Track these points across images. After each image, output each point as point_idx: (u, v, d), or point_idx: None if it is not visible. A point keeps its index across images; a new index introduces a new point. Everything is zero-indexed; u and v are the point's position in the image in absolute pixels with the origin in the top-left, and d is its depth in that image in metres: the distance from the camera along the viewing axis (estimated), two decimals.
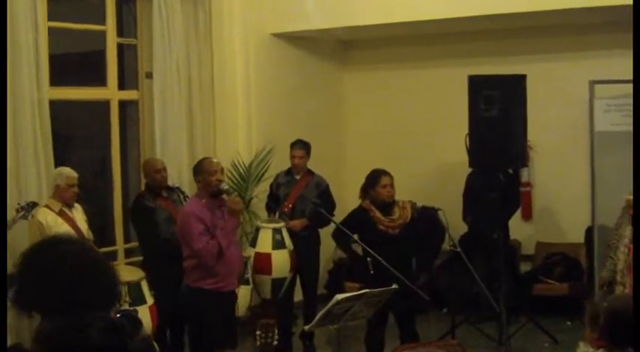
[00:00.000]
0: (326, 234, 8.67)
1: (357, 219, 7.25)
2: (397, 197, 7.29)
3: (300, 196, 8.48)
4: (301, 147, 8.58)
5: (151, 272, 7.27)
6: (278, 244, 8.15)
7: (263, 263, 8.09)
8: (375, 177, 7.24)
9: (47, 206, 7.09)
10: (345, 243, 7.37)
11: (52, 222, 6.99)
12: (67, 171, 7.32)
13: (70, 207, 7.25)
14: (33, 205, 6.89)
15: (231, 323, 6.70)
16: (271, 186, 8.78)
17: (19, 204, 6.87)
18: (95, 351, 2.34)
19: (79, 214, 7.33)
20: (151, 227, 7.56)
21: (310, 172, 8.64)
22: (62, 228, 6.90)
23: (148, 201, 7.65)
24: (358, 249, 7.24)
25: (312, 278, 8.63)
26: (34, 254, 2.76)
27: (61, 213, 7.13)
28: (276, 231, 8.20)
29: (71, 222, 7.13)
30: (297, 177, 8.59)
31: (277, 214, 8.57)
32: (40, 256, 2.74)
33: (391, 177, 7.23)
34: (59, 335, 2.36)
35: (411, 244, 7.11)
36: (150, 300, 6.93)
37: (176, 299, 7.28)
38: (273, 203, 8.69)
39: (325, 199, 8.34)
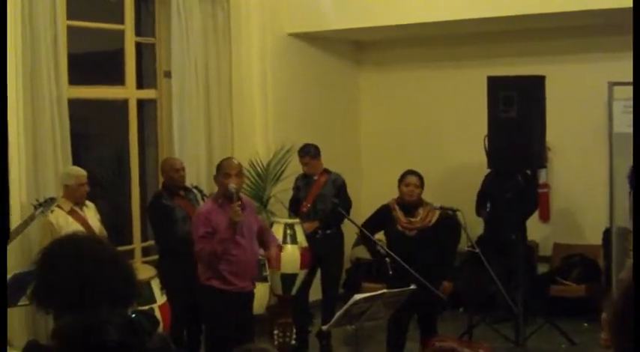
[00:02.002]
0: (348, 232, 8.65)
1: (381, 216, 7.32)
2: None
3: (319, 195, 8.46)
4: (306, 153, 8.52)
5: (167, 271, 7.28)
6: (288, 239, 8.15)
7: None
8: (402, 176, 7.28)
9: (58, 206, 7.06)
10: (369, 240, 7.35)
11: (63, 221, 7.00)
12: (76, 170, 7.32)
13: (81, 205, 7.24)
14: (51, 201, 6.89)
15: (246, 322, 6.70)
16: (293, 189, 8.79)
17: (37, 200, 6.88)
18: (113, 348, 2.35)
19: (90, 212, 7.32)
20: (168, 225, 7.57)
21: (327, 171, 8.63)
22: (72, 227, 6.88)
23: (166, 200, 7.66)
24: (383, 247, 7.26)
25: (333, 276, 8.61)
26: (53, 250, 2.78)
27: (71, 212, 7.13)
28: (288, 225, 8.21)
29: (82, 221, 7.12)
30: (315, 178, 8.58)
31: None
32: (59, 253, 2.75)
33: (418, 179, 7.22)
34: (77, 331, 2.37)
35: (427, 247, 7.08)
36: (160, 299, 6.86)
37: (191, 298, 7.30)
38: (295, 205, 8.68)
39: (342, 196, 8.34)
